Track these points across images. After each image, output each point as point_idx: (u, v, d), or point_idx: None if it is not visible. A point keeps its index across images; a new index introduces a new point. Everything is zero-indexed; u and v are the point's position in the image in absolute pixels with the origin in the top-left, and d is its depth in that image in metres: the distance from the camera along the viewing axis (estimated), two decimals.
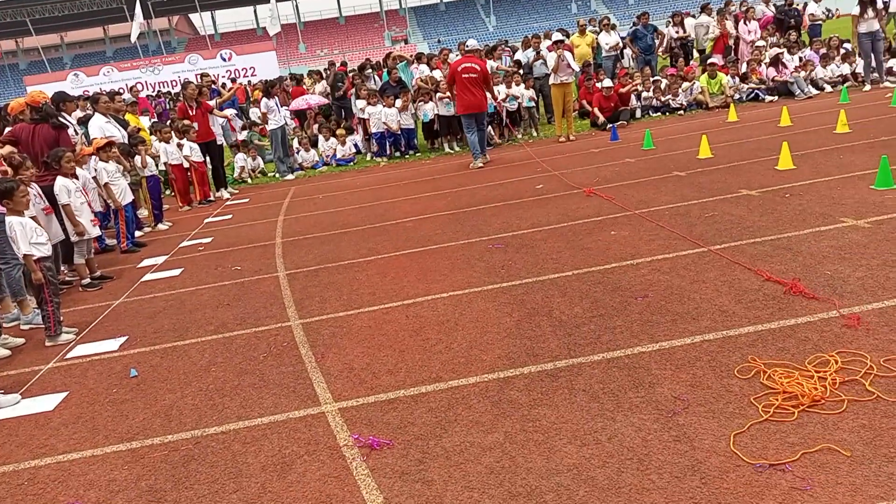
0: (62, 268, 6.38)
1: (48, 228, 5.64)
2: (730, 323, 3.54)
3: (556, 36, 11.30)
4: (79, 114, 9.82)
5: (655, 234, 5.34)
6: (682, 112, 12.75)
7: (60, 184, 6.13)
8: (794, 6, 15.86)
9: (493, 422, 2.93)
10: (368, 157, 12.65)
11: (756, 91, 12.80)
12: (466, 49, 11.24)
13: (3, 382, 4.21)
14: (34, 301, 5.53)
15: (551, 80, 11.21)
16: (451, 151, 12.21)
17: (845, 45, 13.50)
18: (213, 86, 13.68)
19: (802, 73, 12.60)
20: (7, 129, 7.14)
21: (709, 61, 13.11)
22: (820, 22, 16.12)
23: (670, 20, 15.25)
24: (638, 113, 12.74)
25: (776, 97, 12.52)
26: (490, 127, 12.00)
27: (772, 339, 3.29)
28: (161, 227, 8.91)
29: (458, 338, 3.89)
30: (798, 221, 5.10)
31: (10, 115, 7.67)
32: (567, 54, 11.12)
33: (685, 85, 13.01)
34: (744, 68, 13.33)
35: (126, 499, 2.76)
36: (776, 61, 12.73)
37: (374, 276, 5.38)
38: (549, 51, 11.16)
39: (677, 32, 14.80)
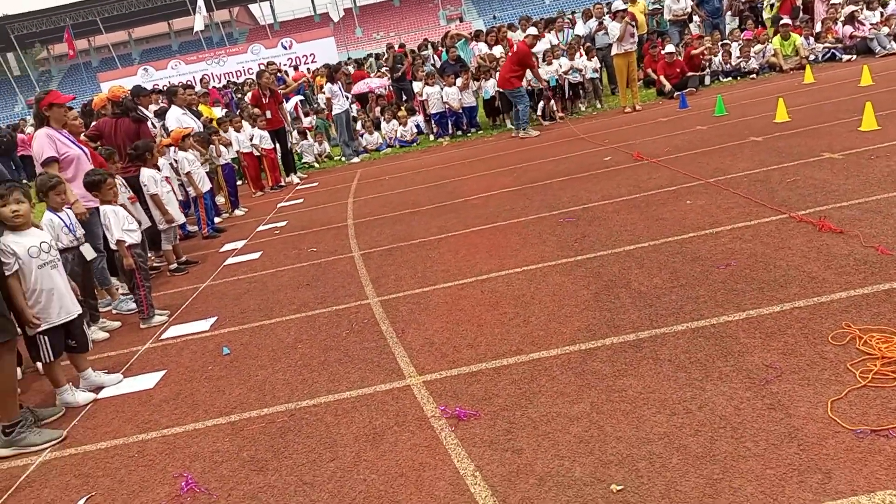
0: (150, 254, 6.70)
1: (135, 217, 5.92)
2: (820, 289, 3.43)
3: (619, 4, 11.04)
4: (154, 107, 10.23)
5: (734, 201, 5.19)
6: (754, 76, 12.26)
7: (148, 174, 6.42)
8: None
9: (578, 392, 2.95)
10: (431, 138, 12.71)
11: (832, 50, 12.17)
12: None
13: (106, 363, 4.48)
14: (123, 287, 5.86)
15: (614, 50, 10.98)
16: (513, 128, 12.13)
17: None
18: (278, 74, 13.96)
19: (885, 29, 11.89)
20: (92, 124, 7.51)
21: (781, 22, 12.53)
22: None
23: None
24: (707, 80, 12.30)
25: (854, 56, 11.88)
26: (553, 101, 11.85)
27: (866, 305, 3.18)
28: (238, 212, 9.23)
29: (535, 311, 3.91)
30: (887, 183, 4.86)
31: (94, 110, 8.06)
32: (632, 22, 10.90)
33: (757, 48, 12.48)
34: (818, 27, 12.68)
35: (230, 468, 2.92)
36: (852, 18, 12.05)
37: (446, 253, 5.44)
38: (613, 20, 10.91)
39: None
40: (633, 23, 11.18)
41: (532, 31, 11.33)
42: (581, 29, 14.05)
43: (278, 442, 3.06)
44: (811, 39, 12.42)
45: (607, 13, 13.36)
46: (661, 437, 2.51)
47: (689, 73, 11.99)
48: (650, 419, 2.64)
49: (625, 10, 10.96)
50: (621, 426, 2.64)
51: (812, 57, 12.13)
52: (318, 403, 3.35)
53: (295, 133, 12.40)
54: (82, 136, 6.23)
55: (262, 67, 13.41)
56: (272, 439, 3.09)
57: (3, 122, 30.37)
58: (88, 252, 4.78)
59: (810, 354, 2.86)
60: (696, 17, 14.34)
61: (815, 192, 5.01)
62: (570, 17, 16.82)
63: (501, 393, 3.08)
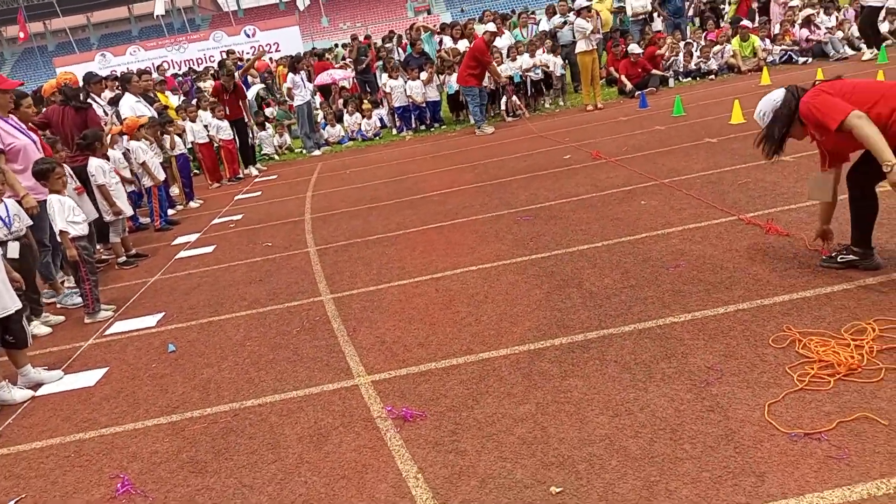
0: (98, 246, 6.52)
1: (82, 208, 5.75)
2: (764, 292, 3.49)
3: (582, 2, 11.07)
4: (108, 94, 9.95)
5: (686, 202, 5.26)
6: (713, 77, 12.46)
7: (96, 164, 6.24)
8: None
9: (525, 393, 2.95)
10: (394, 132, 12.63)
11: (789, 53, 12.43)
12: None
13: (47, 359, 4.35)
14: (69, 281, 5.69)
15: (581, 48, 10.98)
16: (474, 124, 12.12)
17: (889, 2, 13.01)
18: (238, 63, 13.70)
19: (840, 34, 12.19)
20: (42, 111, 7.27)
21: (740, 23, 12.75)
22: None
23: None
24: (671, 82, 12.43)
25: (810, 59, 12.15)
26: (515, 97, 11.87)
27: (807, 308, 3.24)
28: (192, 204, 9.04)
29: (487, 310, 3.91)
30: None
31: (44, 96, 7.81)
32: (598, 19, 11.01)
33: (716, 48, 12.68)
34: (776, 30, 12.94)
35: (168, 470, 2.85)
36: (808, 22, 12.33)
37: (403, 250, 5.41)
38: (578, 17, 10.91)
39: None
40: (599, 19, 11.29)
41: (491, 27, 11.27)
42: (545, 25, 14.09)
43: (220, 443, 3.00)
44: (768, 41, 12.66)
45: (572, 10, 13.45)
46: (603, 439, 2.53)
47: (652, 72, 12.11)
48: (593, 420, 2.66)
49: (588, 7, 11.01)
50: (564, 427, 2.65)
51: (769, 59, 12.37)
52: (263, 403, 3.29)
53: (254, 126, 12.19)
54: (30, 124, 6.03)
55: (224, 57, 13.18)
56: (214, 440, 3.03)
57: None
58: (13, 251, 4.59)
59: (751, 357, 2.90)
60: (657, 17, 14.51)
61: (764, 194, 5.10)
62: (532, 14, 16.85)
63: (449, 393, 3.07)
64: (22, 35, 33.92)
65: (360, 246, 5.74)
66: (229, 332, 4.31)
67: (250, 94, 12.65)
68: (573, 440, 2.55)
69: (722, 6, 14.68)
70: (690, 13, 14.84)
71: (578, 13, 10.95)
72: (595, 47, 10.98)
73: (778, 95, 3.49)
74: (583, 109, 11.42)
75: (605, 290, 3.90)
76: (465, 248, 5.17)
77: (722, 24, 14.00)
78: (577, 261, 4.45)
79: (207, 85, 13.11)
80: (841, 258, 3.58)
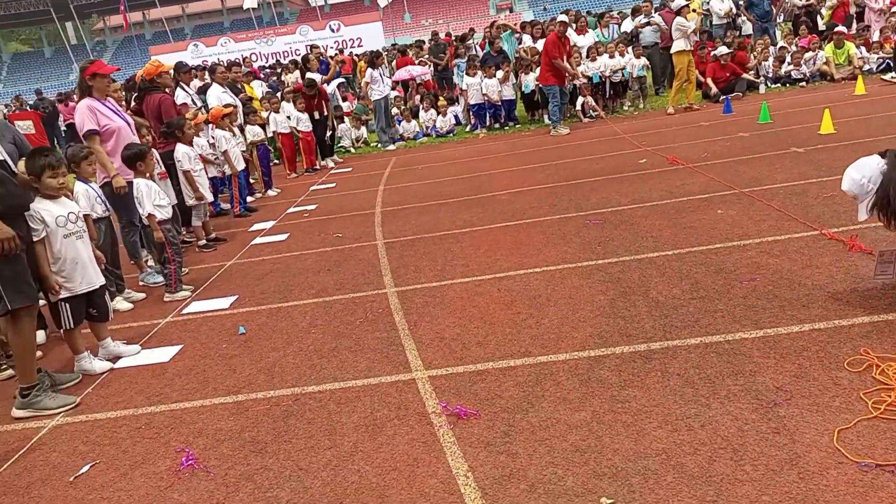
0: (181, 230, 6.83)
1: (166, 193, 6.04)
2: (843, 312, 3.32)
3: (681, 1, 10.72)
4: (197, 83, 10.39)
5: (766, 213, 5.05)
6: (804, 84, 11.89)
7: (182, 151, 6.53)
8: None
9: (581, 400, 2.91)
10: (467, 129, 12.65)
11: (888, 61, 11.71)
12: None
13: (126, 333, 4.59)
14: (151, 260, 5.99)
15: (680, 47, 10.60)
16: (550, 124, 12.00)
17: None
18: (321, 57, 14.03)
19: None
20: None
21: (835, 29, 12.11)
22: None
23: None
24: (762, 88, 11.93)
25: None
26: (591, 98, 11.68)
27: (888, 332, 3.06)
28: (270, 193, 9.34)
29: (549, 313, 3.87)
30: None
31: (137, 83, 8.21)
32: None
33: (808, 55, 12.10)
34: (875, 37, 12.21)
35: (231, 447, 2.96)
36: None
37: (468, 247, 5.42)
38: (679, 15, 10.59)
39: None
40: (699, 19, 10.97)
41: (562, 17, 11.00)
42: (628, 25, 13.79)
43: (280, 425, 3.09)
44: (864, 49, 11.97)
45: (655, 10, 13.12)
46: (659, 453, 2.46)
47: (741, 77, 11.65)
48: (650, 433, 2.59)
49: (688, 6, 10.72)
50: (620, 438, 2.60)
51: (866, 67, 11.70)
52: (323, 390, 3.37)
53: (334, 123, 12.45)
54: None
55: (308, 51, 13.52)
56: (275, 422, 3.13)
57: (60, 88, 31.23)
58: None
59: (823, 379, 2.77)
60: (742, 20, 13.94)
61: (851, 209, 4.82)
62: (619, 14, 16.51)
63: (504, 394, 3.06)
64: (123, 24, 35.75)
65: (426, 241, 5.79)
66: (296, 318, 4.44)
67: (330, 88, 12.90)
68: (628, 452, 2.50)
69: (819, 10, 13.96)
70: (782, 17, 14.18)
71: (678, 12, 10.66)
72: (692, 47, 10.68)
73: (875, 160, 3.27)
74: (663, 112, 11.12)
75: (673, 300, 3.79)
76: (530, 248, 5.13)
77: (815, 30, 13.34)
78: (645, 268, 4.35)
79: (291, 78, 13.49)
80: None
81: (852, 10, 13.31)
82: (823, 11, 13.66)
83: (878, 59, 11.83)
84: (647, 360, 3.16)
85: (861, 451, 2.30)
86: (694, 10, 11.13)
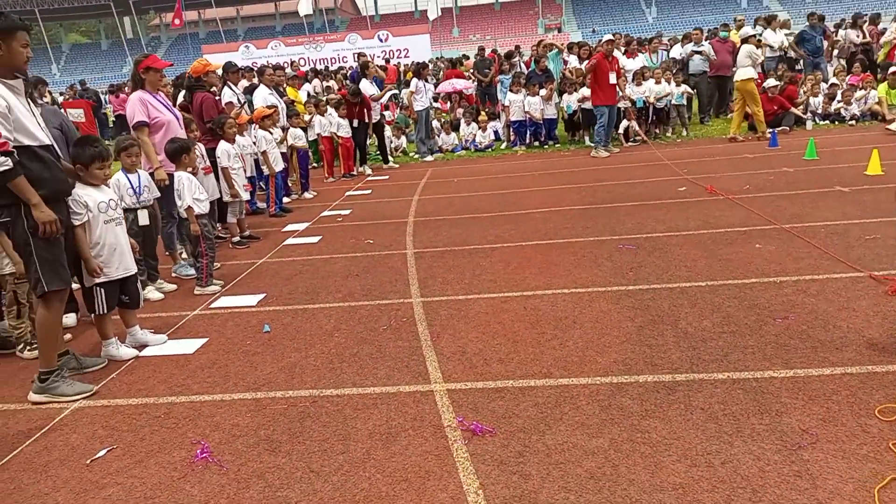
0: (217, 225, 6.94)
1: (206, 187, 6.14)
2: (878, 358, 3.21)
3: (748, 30, 10.71)
4: (245, 83, 10.59)
5: (806, 251, 4.93)
6: (853, 122, 11.63)
7: (223, 148, 6.65)
8: None
9: (600, 426, 2.86)
10: (504, 146, 12.65)
11: None
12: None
13: (154, 322, 4.66)
14: (185, 253, 6.09)
15: (748, 75, 10.51)
16: (592, 145, 11.94)
17: None
18: (375, 76, 14.16)
19: None
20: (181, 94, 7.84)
21: (890, 70, 11.83)
22: None
23: (850, 22, 13.90)
24: (809, 124, 11.71)
25: None
26: (635, 122, 11.59)
27: None
28: (307, 195, 9.45)
29: (574, 335, 3.83)
30: None
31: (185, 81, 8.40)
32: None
33: (859, 93, 11.83)
34: None
35: (245, 444, 2.98)
36: None
37: (497, 263, 5.40)
38: (746, 43, 10.57)
39: (858, 36, 13.46)
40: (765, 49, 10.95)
41: (608, 37, 10.93)
42: (676, 51, 13.68)
43: (296, 426, 3.10)
44: None
45: (706, 39, 13.00)
46: (676, 487, 2.40)
47: (790, 111, 11.46)
48: (668, 467, 2.53)
49: (754, 35, 10.68)
50: (637, 469, 2.54)
51: None
52: (341, 394, 3.37)
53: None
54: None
55: (355, 58, 13.67)
56: (291, 422, 3.14)
57: (112, 80, 32.14)
58: (143, 218, 4.97)
59: (852, 425, 2.67)
60: (792, 54, 13.73)
61: (894, 253, 4.69)
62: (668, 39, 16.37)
63: (522, 414, 3.02)
64: (177, 21, 36.66)
65: (456, 254, 5.78)
66: (321, 320, 4.46)
67: (384, 99, 12.95)
68: (644, 483, 2.44)
69: (874, 50, 13.66)
70: (836, 53, 13.92)
71: (746, 40, 10.63)
72: (756, 77, 10.63)
73: None
74: (708, 140, 10.98)
75: (702, 332, 3.71)
76: (560, 269, 5.08)
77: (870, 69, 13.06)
78: (676, 298, 4.27)
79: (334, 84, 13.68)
80: None
81: None
82: (880, 51, 13.39)
83: None
84: (671, 392, 3.09)
85: None
86: (759, 41, 11.10)
